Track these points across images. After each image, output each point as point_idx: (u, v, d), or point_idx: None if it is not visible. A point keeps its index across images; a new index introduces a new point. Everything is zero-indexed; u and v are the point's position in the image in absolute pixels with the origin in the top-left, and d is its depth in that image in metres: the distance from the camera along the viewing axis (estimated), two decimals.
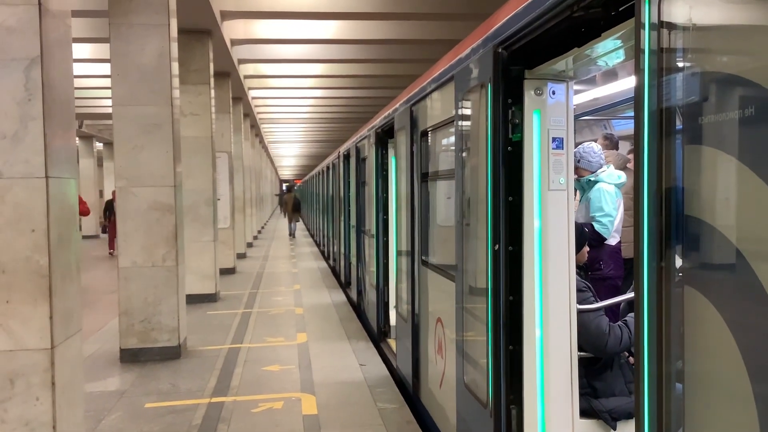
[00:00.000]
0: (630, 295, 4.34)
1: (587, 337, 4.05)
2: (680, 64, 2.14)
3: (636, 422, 2.30)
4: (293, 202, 31.63)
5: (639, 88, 2.26)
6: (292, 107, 26.22)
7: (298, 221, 32.47)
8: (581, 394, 4.07)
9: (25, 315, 4.01)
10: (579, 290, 4.08)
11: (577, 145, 6.21)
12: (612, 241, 6.07)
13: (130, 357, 8.23)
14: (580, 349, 4.05)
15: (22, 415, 4.01)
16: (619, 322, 4.16)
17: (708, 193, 2.06)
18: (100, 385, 7.32)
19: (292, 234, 31.23)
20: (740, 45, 1.96)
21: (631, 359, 4.23)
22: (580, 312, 3.91)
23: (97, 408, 6.44)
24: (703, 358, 2.10)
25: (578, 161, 5.99)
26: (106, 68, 9.22)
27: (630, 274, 6.01)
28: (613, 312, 4.71)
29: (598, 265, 5.90)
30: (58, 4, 4.25)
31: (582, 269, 4.46)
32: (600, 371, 4.20)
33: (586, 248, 4.67)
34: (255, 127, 28.14)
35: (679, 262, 2.16)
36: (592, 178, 6.05)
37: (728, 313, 1.96)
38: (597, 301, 4.25)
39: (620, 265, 6.15)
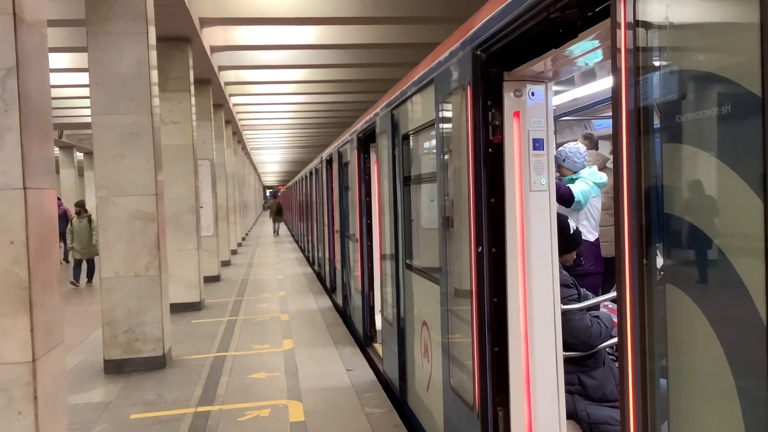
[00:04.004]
0: (612, 294, 4.37)
1: (571, 331, 4.08)
2: (657, 63, 2.15)
3: (621, 419, 2.31)
4: (276, 207, 39.11)
5: (616, 88, 2.27)
6: (273, 113, 26.18)
7: (281, 222, 39.44)
8: (570, 392, 4.08)
9: (6, 328, 3.96)
10: (566, 286, 4.10)
11: (558, 146, 6.26)
12: (590, 237, 6.12)
13: (115, 368, 8.16)
14: (567, 347, 4.07)
15: (5, 430, 3.96)
16: (592, 318, 4.21)
17: (687, 191, 2.07)
18: (85, 397, 7.24)
19: (276, 233, 38.38)
20: (716, 43, 1.98)
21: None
22: (563, 312, 3.93)
23: (81, 420, 6.38)
24: (686, 354, 2.11)
25: (563, 160, 6.04)
26: (84, 77, 9.16)
27: (611, 273, 6.06)
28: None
29: (579, 261, 5.95)
30: (34, 13, 4.22)
31: (567, 268, 4.48)
32: (592, 368, 4.21)
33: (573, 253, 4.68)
34: (237, 133, 28.05)
35: (659, 260, 2.17)
36: (574, 177, 6.10)
37: (709, 309, 1.97)
38: (581, 301, 4.28)
39: (600, 262, 6.21)
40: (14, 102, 3.96)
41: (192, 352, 9.06)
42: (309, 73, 17.83)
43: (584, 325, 4.12)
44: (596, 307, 4.43)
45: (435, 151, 4.73)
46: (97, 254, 16.68)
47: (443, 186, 4.47)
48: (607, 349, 4.33)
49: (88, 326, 10.95)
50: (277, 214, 38.78)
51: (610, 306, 4.61)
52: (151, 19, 8.39)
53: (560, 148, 6.19)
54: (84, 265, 17.11)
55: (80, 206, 17.01)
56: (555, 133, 4.55)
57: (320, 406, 6.55)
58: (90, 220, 16.63)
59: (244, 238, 32.78)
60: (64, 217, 25.09)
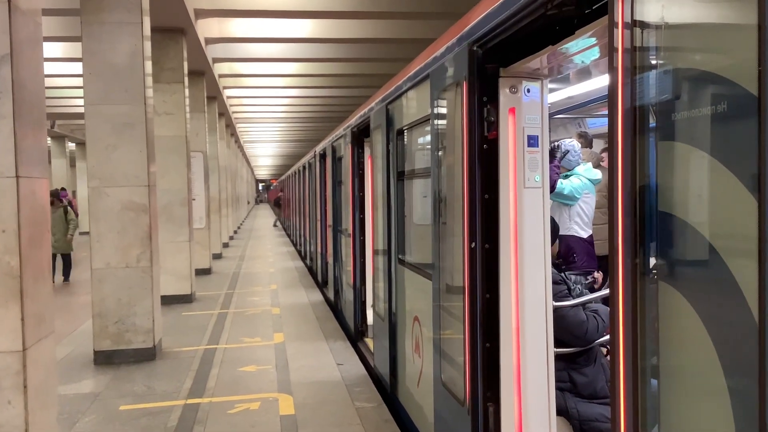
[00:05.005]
0: (604, 291, 4.38)
1: (567, 326, 4.09)
2: (653, 62, 2.16)
3: (612, 417, 2.32)
4: (276, 200, 44.06)
5: (612, 86, 2.27)
6: (267, 106, 26.13)
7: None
8: (561, 389, 4.10)
9: None
10: (554, 282, 4.11)
11: (552, 143, 6.27)
12: (583, 234, 6.14)
13: (105, 359, 8.14)
14: (560, 343, 4.08)
15: None
16: (589, 312, 4.22)
17: (682, 190, 2.08)
18: (74, 387, 7.23)
19: (274, 224, 41.03)
20: (714, 43, 1.98)
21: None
22: (556, 308, 3.94)
23: (71, 411, 6.37)
24: (678, 353, 2.12)
25: (560, 159, 6.06)
26: (78, 67, 9.11)
27: (605, 270, 6.08)
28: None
29: (572, 258, 5.97)
30: (28, 2, 4.19)
31: (556, 265, 4.49)
32: (582, 365, 4.22)
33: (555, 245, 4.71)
34: (230, 126, 27.97)
35: (653, 258, 2.18)
36: (568, 174, 6.13)
37: (702, 308, 1.98)
38: (571, 295, 4.29)
39: (594, 259, 6.23)
40: (8, 90, 3.93)
41: (182, 344, 9.05)
42: (303, 66, 17.78)
43: (579, 320, 4.13)
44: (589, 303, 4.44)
45: (429, 146, 4.73)
46: (72, 249, 16.21)
47: (437, 181, 4.47)
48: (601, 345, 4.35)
49: (78, 317, 10.92)
50: (276, 206, 43.82)
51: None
52: (146, 10, 8.36)
53: (560, 141, 6.20)
54: (60, 262, 15.97)
55: (54, 196, 15.80)
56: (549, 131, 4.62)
57: (310, 400, 6.55)
58: (66, 212, 15.56)
59: (236, 231, 32.72)
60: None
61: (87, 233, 9.40)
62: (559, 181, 5.99)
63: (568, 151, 6.08)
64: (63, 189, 27.00)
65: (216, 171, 19.88)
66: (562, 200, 6.07)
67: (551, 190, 5.70)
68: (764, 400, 1.70)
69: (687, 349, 2.07)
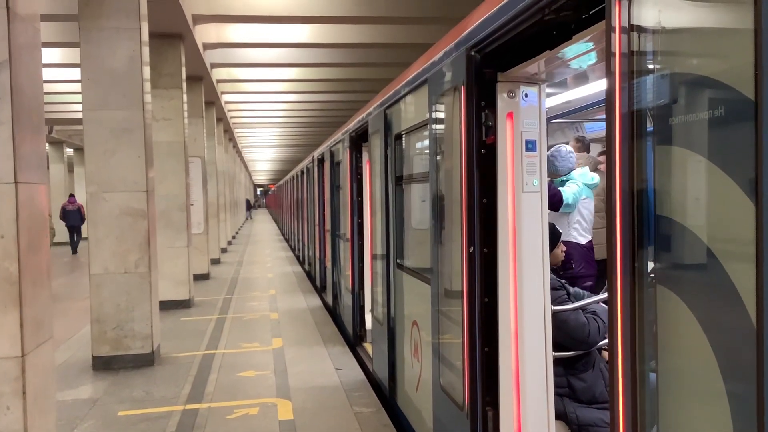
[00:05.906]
0: (603, 295, 4.39)
1: (568, 331, 4.09)
2: (650, 67, 2.17)
3: (611, 421, 2.32)
4: None
5: (610, 91, 2.28)
6: (265, 111, 26.14)
7: None
8: (560, 395, 4.09)
9: None
10: (553, 288, 4.11)
11: (550, 147, 6.29)
12: (582, 240, 6.14)
13: (103, 364, 8.13)
14: (561, 347, 4.08)
15: None
16: (588, 314, 4.21)
17: (679, 194, 2.09)
18: (73, 393, 7.21)
19: None
20: (709, 47, 2.00)
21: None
22: (555, 313, 3.95)
23: (69, 417, 6.35)
24: (676, 357, 2.12)
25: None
26: (76, 73, 9.12)
27: (603, 275, 6.08)
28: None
29: (569, 265, 5.97)
30: (27, 7, 4.20)
31: (553, 270, 4.49)
32: (581, 370, 4.22)
33: (561, 248, 4.71)
34: (228, 131, 27.98)
35: (651, 262, 2.18)
36: (565, 179, 6.13)
37: (700, 312, 1.98)
38: (571, 300, 4.29)
39: (592, 265, 6.22)
40: (6, 95, 3.94)
41: (181, 349, 9.04)
42: (301, 71, 17.81)
43: (580, 323, 4.13)
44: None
45: (428, 151, 4.74)
46: None
47: (435, 186, 4.48)
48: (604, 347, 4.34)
49: (77, 322, 10.90)
50: None
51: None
52: (144, 15, 8.37)
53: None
54: None
55: None
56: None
57: (309, 405, 6.54)
58: None
59: (234, 237, 32.71)
60: (78, 213, 25.04)
61: (85, 239, 9.42)
62: (561, 191, 5.97)
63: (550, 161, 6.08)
64: (72, 195, 27.02)
65: (214, 176, 19.88)
66: (563, 209, 6.06)
67: (559, 205, 5.71)
68: (763, 403, 1.71)
69: (685, 353, 2.08)
